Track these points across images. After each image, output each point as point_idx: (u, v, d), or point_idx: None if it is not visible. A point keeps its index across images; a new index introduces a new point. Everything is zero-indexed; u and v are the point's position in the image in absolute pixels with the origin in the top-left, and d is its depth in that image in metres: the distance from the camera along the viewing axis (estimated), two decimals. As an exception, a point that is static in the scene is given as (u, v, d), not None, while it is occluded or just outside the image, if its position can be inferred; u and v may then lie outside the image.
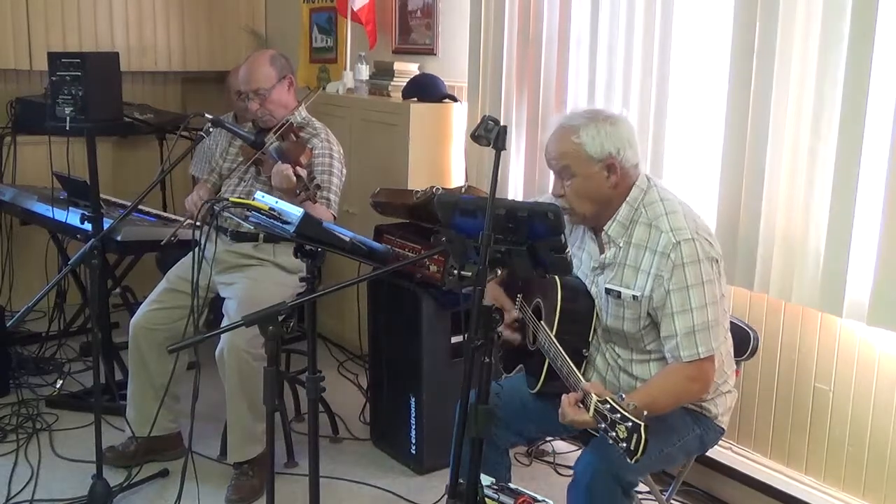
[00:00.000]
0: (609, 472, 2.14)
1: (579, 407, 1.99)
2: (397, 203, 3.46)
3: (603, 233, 2.33)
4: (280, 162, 2.98)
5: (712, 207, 2.94)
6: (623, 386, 2.33)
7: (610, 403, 1.89)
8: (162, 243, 3.19)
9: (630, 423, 1.83)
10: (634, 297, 2.25)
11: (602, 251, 2.35)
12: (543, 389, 2.33)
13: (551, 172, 2.38)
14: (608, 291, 2.30)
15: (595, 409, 1.91)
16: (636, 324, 2.28)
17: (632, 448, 1.82)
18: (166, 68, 5.43)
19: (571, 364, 2.14)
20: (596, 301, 2.36)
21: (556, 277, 2.28)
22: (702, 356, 2.19)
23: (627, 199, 2.30)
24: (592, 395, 1.94)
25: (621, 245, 2.30)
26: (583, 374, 2.17)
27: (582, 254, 2.43)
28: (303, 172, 2.94)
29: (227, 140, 3.48)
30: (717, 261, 2.25)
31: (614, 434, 1.85)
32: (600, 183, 2.28)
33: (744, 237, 2.86)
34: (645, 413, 1.85)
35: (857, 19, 2.48)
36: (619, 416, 1.85)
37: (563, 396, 2.06)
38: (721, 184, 2.94)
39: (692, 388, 2.23)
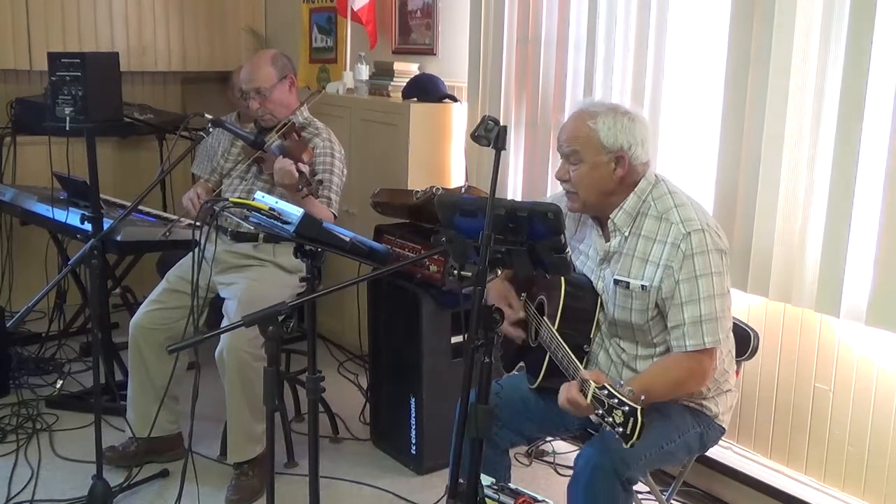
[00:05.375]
0: (609, 467, 2.15)
1: (578, 394, 2.00)
2: (397, 203, 3.46)
3: (609, 220, 2.33)
4: (282, 157, 2.98)
5: (707, 210, 2.92)
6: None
7: (608, 389, 1.90)
8: (157, 239, 3.21)
9: (627, 408, 1.84)
10: (643, 286, 2.26)
11: (607, 240, 2.35)
12: (543, 384, 2.33)
13: (556, 158, 2.37)
14: (616, 282, 2.31)
15: (593, 395, 1.93)
16: (644, 315, 2.28)
17: (627, 432, 1.83)
18: (166, 68, 5.44)
19: (572, 355, 2.15)
20: (602, 295, 2.36)
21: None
22: (707, 346, 2.20)
23: (635, 189, 2.31)
24: (591, 381, 1.95)
25: (627, 235, 2.31)
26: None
27: (588, 249, 2.43)
28: (305, 168, 2.94)
29: (229, 140, 3.48)
30: (725, 253, 2.26)
31: (611, 420, 1.86)
32: (606, 174, 2.28)
33: (739, 239, 2.85)
34: (642, 398, 1.86)
35: (855, 19, 2.48)
36: (616, 401, 1.87)
37: (563, 385, 2.08)
38: (717, 186, 2.93)
39: (689, 380, 2.23)
